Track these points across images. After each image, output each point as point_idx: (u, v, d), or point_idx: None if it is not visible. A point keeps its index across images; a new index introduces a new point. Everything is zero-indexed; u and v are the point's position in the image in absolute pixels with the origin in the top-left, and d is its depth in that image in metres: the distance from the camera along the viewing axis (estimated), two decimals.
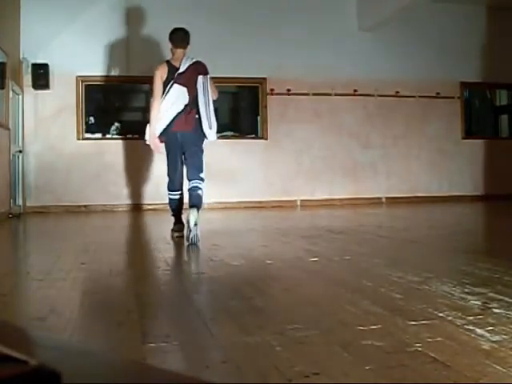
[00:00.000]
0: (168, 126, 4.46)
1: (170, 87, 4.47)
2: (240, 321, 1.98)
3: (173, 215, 4.71)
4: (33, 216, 7.47)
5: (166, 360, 1.57)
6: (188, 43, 4.73)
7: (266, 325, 1.93)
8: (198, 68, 4.56)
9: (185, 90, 4.47)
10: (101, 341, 1.76)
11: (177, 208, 4.68)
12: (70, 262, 3.48)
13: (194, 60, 4.60)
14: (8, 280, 3.01)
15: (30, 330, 1.01)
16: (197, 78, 4.48)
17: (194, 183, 4.41)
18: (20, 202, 7.80)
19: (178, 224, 4.65)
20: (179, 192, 4.65)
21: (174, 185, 4.61)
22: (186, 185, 4.56)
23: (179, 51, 4.64)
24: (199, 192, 4.37)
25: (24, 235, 6.07)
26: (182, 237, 4.41)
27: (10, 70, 7.02)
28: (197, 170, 4.44)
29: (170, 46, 4.73)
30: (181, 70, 4.52)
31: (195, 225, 4.02)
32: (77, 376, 0.48)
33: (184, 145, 4.48)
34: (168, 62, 4.63)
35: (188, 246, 4.05)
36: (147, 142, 4.65)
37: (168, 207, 4.78)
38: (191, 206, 4.22)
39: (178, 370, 1.50)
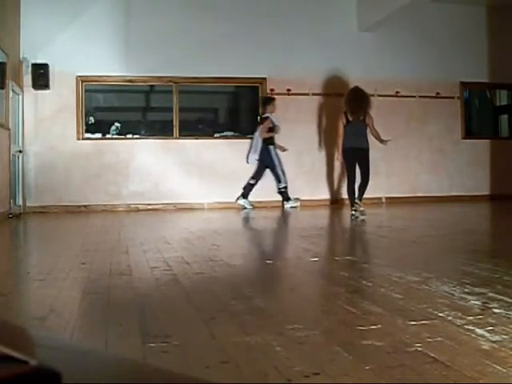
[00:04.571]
0: None
1: None
2: (240, 321, 1.97)
3: None
4: (33, 216, 7.47)
5: (166, 360, 1.57)
6: None
7: (266, 325, 1.93)
8: None
9: None
10: (101, 341, 1.76)
11: None
12: (70, 262, 3.48)
13: None
14: (8, 280, 3.01)
15: (30, 330, 1.00)
16: None
17: None
18: (20, 202, 7.80)
19: None
20: None
21: None
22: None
23: None
24: None
25: (24, 235, 6.07)
26: None
27: (10, 70, 7.01)
28: None
29: None
30: None
31: None
32: (77, 376, 0.48)
33: None
34: None
35: None
36: None
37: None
38: None
39: (177, 370, 1.49)
